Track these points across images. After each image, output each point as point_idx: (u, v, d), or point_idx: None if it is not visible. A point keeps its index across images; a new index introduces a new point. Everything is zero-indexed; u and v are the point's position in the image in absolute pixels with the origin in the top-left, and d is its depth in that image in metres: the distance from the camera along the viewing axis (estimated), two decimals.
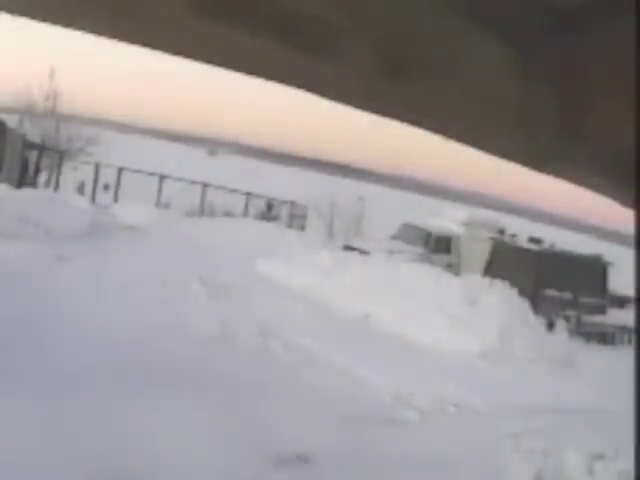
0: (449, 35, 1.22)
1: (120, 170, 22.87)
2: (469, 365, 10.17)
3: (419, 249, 17.77)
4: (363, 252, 15.60)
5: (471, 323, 11.30)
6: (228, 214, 23.81)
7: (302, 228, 25.87)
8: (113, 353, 7.34)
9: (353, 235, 22.60)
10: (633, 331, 15.48)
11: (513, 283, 13.07)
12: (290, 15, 1.23)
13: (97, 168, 22.51)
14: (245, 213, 25.00)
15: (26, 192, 15.66)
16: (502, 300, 12.22)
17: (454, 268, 17.31)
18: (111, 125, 49.79)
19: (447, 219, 19.32)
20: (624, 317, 16.76)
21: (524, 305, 12.68)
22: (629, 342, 15.76)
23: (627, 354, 12.89)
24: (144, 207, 19.89)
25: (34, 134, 21.67)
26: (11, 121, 19.76)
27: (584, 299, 16.40)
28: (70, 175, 22.69)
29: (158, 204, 23.02)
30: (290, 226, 25.00)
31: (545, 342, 11.85)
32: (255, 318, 10.03)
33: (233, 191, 25.38)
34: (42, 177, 22.24)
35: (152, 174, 23.64)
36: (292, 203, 27.09)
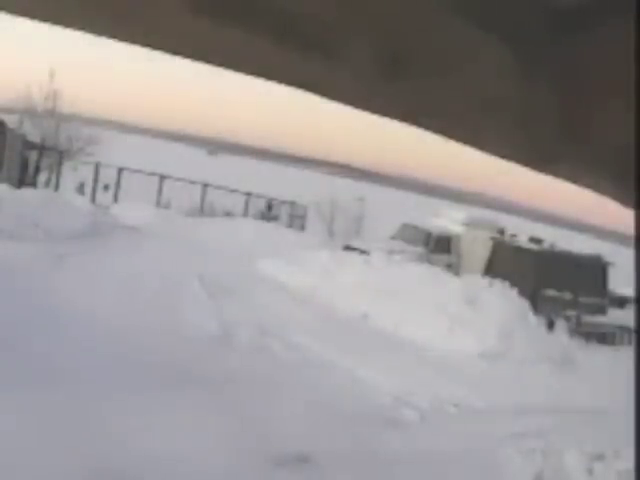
0: (449, 35, 1.22)
1: (120, 170, 22.87)
2: (469, 365, 10.17)
3: (419, 249, 17.76)
4: (363, 252, 15.59)
5: (471, 323, 11.31)
6: (228, 214, 23.80)
7: (302, 228, 25.87)
8: (113, 353, 7.34)
9: (353, 235, 22.58)
10: (633, 331, 15.48)
11: (513, 283, 13.08)
12: (290, 15, 1.23)
13: (97, 168, 22.51)
14: (245, 213, 24.99)
15: (26, 192, 15.65)
16: (502, 300, 12.23)
17: (454, 268, 17.30)
18: (111, 125, 49.81)
19: (447, 219, 19.32)
20: (624, 317, 16.77)
21: (524, 305, 12.69)
22: (629, 342, 15.76)
23: (627, 354, 12.89)
24: (144, 207, 19.89)
25: (34, 134, 21.65)
26: (11, 121, 19.74)
27: (584, 299, 16.40)
28: (70, 175, 22.68)
29: (158, 204, 23.01)
30: (290, 226, 24.99)
31: (545, 342, 11.86)
32: (255, 318, 10.03)
33: (233, 191, 25.37)
34: (42, 177, 22.22)
35: (152, 174, 23.63)
36: (292, 203, 27.09)
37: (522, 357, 10.88)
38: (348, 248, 16.98)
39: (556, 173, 1.69)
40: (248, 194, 25.76)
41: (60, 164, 22.64)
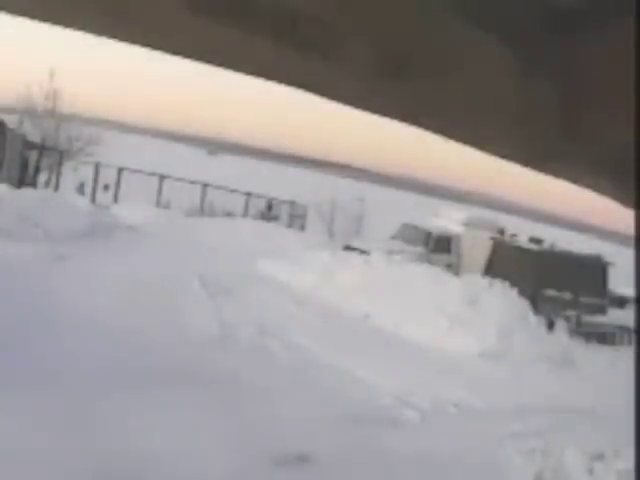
0: (449, 35, 1.22)
1: (120, 170, 22.86)
2: (469, 365, 10.17)
3: (419, 249, 17.77)
4: (363, 252, 15.59)
5: (471, 323, 11.30)
6: (228, 214, 23.80)
7: (302, 228, 25.87)
8: (113, 353, 7.33)
9: (353, 235, 22.58)
10: (633, 331, 15.48)
11: (513, 283, 13.07)
12: (290, 16, 1.23)
13: (97, 168, 22.50)
14: (245, 213, 24.98)
15: (26, 192, 15.65)
16: (502, 300, 12.23)
17: (454, 268, 17.30)
18: (111, 125, 49.84)
19: (447, 219, 19.31)
20: (624, 317, 16.77)
21: (524, 305, 12.68)
22: (629, 342, 15.76)
23: (627, 354, 12.89)
24: (144, 207, 19.89)
25: (34, 134, 21.64)
26: (11, 121, 19.74)
27: (584, 299, 16.39)
28: (70, 175, 22.68)
29: (158, 204, 23.01)
30: (290, 226, 24.99)
31: (545, 342, 11.86)
32: (255, 318, 10.03)
33: (233, 191, 25.37)
34: (42, 177, 22.22)
35: (152, 174, 23.63)
36: (292, 203, 27.09)
37: (522, 357, 10.88)
38: (348, 248, 16.97)
39: (556, 173, 1.69)
40: (248, 194, 25.75)
41: (60, 164, 22.63)
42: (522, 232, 18.71)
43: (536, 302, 14.19)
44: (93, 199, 21.44)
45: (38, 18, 1.39)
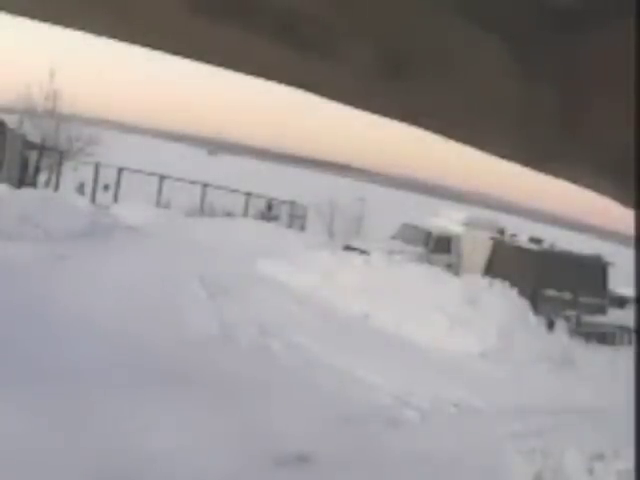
0: (449, 35, 1.22)
1: (120, 170, 22.87)
2: (469, 365, 10.17)
3: (419, 249, 17.77)
4: (363, 252, 15.59)
5: (471, 323, 11.30)
6: (228, 214, 23.81)
7: (302, 228, 25.88)
8: (113, 352, 7.33)
9: (353, 235, 22.58)
10: (633, 331, 15.49)
11: (513, 283, 13.08)
12: (290, 15, 1.23)
13: (97, 168, 22.51)
14: (245, 213, 24.99)
15: (26, 192, 15.65)
16: (502, 300, 12.23)
17: (454, 268, 17.30)
18: (111, 125, 49.88)
19: (447, 219, 19.31)
20: (624, 317, 16.77)
21: (524, 305, 12.69)
22: (629, 342, 15.76)
23: (627, 354, 12.89)
24: (144, 207, 19.90)
25: (34, 134, 21.65)
26: (11, 121, 19.74)
27: (584, 299, 16.39)
28: (70, 175, 22.69)
29: (158, 204, 23.03)
30: (290, 226, 25.00)
31: (545, 342, 11.86)
32: (255, 318, 10.03)
33: (233, 191, 25.38)
34: (42, 177, 22.23)
35: (152, 174, 23.64)
36: (292, 203, 27.09)
37: (522, 357, 10.88)
38: (348, 248, 16.97)
39: (556, 173, 1.69)
40: (248, 194, 25.77)
41: (60, 164, 22.65)
42: (522, 232, 18.72)
43: (536, 302, 14.19)
44: (93, 199, 21.45)
45: (38, 18, 1.39)
